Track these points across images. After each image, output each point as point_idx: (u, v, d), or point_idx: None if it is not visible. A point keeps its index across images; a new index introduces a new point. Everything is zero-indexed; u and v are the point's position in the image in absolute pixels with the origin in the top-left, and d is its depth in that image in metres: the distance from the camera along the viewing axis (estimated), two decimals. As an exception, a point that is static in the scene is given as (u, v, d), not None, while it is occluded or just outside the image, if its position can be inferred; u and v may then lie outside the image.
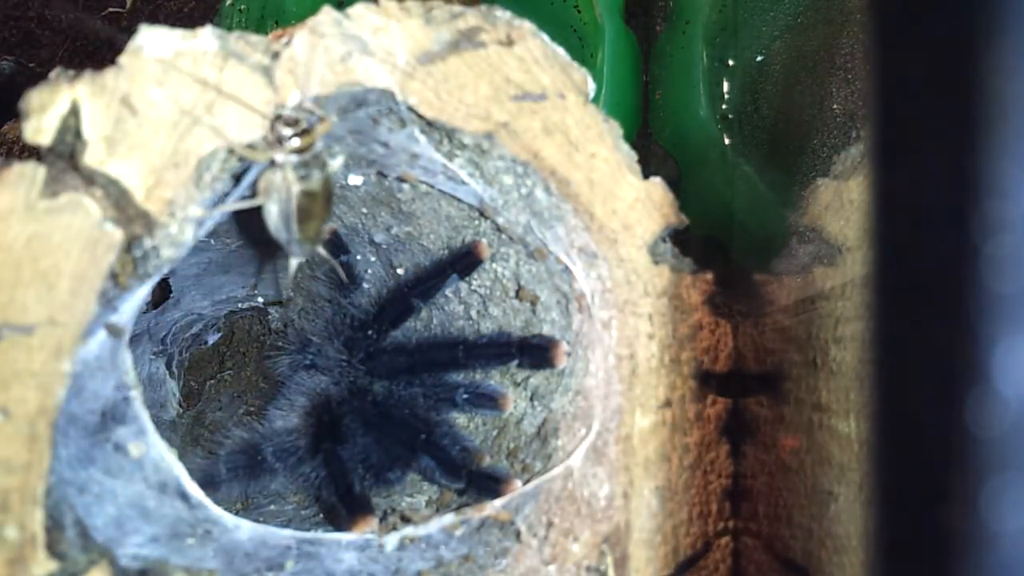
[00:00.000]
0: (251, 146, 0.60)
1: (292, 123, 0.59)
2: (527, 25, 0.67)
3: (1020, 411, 0.29)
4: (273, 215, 0.63)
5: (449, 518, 0.75)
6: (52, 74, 0.57)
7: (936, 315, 0.32)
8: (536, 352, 0.79)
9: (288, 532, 0.73)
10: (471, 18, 0.66)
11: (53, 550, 0.58)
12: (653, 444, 0.74)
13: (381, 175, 0.81)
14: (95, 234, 0.57)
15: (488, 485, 0.77)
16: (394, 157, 0.74)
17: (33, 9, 1.40)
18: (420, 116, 0.66)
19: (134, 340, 0.96)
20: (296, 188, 0.61)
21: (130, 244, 0.59)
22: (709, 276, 0.78)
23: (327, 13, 0.62)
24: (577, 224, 0.72)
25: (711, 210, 1.08)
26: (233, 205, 0.64)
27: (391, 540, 0.73)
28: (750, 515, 0.78)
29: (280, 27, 0.66)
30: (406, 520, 0.77)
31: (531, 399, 0.84)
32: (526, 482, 0.76)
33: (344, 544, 0.73)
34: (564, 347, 0.78)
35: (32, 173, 0.56)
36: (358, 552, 0.73)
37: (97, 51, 1.39)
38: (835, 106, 0.88)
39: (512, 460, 0.83)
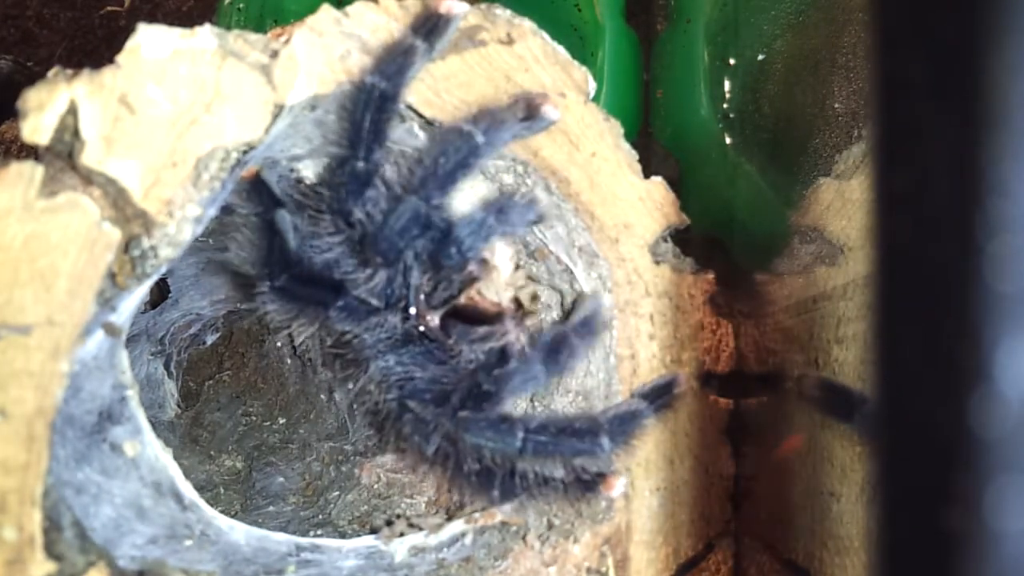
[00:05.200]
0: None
1: None
2: (527, 24, 0.67)
3: (1023, 412, 0.29)
4: None
5: (459, 526, 0.74)
6: (50, 73, 0.57)
7: (938, 315, 0.31)
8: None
9: (284, 536, 0.72)
10: (471, 16, 0.66)
11: (51, 551, 0.58)
12: (654, 445, 0.73)
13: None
14: (93, 234, 0.57)
15: None
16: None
17: (32, 8, 1.40)
18: (419, 115, 0.66)
19: (132, 340, 0.96)
20: None
21: (128, 244, 0.59)
22: (710, 276, 0.77)
23: (326, 11, 0.62)
24: (578, 224, 0.72)
25: (712, 209, 1.08)
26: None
27: (400, 550, 0.73)
28: (751, 516, 0.78)
29: (279, 25, 0.65)
30: (413, 526, 0.76)
31: (531, 399, 0.83)
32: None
33: (345, 551, 0.73)
34: None
35: (30, 172, 0.55)
36: (360, 559, 0.73)
37: (95, 50, 1.39)
38: (837, 105, 0.87)
39: (512, 460, 0.82)
